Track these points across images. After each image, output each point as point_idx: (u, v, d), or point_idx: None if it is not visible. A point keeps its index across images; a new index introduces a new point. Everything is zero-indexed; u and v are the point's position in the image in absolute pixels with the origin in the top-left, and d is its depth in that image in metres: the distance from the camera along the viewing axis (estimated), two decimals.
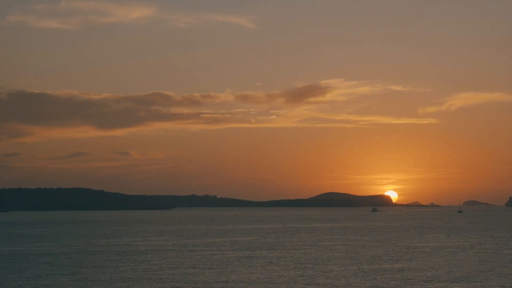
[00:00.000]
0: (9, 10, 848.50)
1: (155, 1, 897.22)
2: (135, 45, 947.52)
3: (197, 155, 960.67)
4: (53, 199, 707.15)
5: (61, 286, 74.85)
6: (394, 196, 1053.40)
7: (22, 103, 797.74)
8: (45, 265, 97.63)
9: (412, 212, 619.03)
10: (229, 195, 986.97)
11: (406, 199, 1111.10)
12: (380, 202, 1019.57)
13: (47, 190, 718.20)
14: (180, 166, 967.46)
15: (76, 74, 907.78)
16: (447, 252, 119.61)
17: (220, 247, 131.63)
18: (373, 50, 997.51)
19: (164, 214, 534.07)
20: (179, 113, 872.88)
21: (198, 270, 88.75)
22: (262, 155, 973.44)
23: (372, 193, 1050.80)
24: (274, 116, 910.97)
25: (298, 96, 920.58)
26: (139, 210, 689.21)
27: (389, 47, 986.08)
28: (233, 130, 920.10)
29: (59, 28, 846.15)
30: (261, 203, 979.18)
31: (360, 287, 72.31)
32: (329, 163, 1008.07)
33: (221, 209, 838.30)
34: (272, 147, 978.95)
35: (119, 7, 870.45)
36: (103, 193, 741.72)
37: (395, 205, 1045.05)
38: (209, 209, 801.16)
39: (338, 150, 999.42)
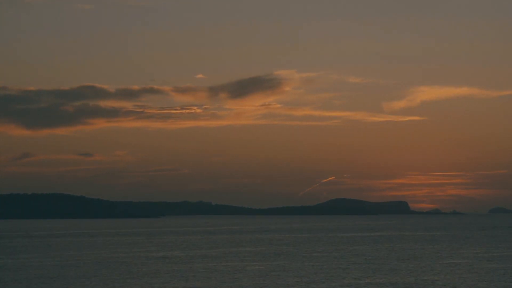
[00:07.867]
0: None
1: None
2: (44, 29, 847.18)
3: (170, 157, 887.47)
4: (29, 206, 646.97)
5: None
6: (411, 202, 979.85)
7: None
8: None
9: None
10: (225, 201, 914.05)
11: (423, 206, 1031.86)
12: (395, 209, 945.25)
13: (20, 196, 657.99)
14: (173, 170, 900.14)
15: None
16: None
17: None
18: (326, 38, 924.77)
19: (151, 223, 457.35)
20: (116, 109, 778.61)
21: None
22: (244, 156, 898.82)
23: (386, 199, 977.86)
24: (226, 112, 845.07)
25: (246, 88, 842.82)
26: (125, 219, 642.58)
27: (345, 35, 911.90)
28: (194, 129, 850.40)
29: None
30: (261, 210, 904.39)
31: None
32: (325, 164, 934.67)
33: (215, 217, 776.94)
34: (244, 146, 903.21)
35: None
36: (84, 200, 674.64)
37: (413, 212, 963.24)
38: (202, 217, 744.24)
39: (326, 150, 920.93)
